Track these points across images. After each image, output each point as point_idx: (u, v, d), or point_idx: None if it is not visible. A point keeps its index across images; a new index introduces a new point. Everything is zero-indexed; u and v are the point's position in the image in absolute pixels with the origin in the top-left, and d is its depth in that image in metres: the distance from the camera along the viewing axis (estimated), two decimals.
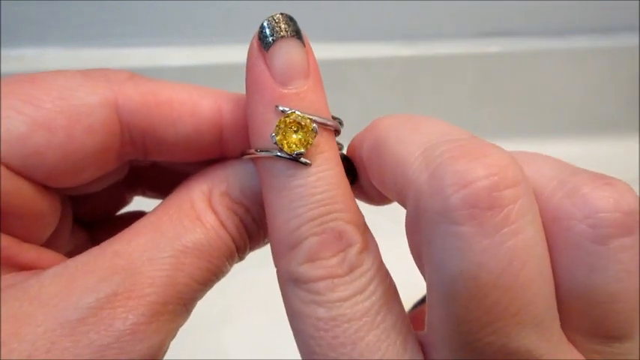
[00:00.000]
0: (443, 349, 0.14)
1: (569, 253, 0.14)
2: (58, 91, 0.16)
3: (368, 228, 0.16)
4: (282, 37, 0.16)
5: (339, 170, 0.16)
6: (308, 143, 0.15)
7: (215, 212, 0.17)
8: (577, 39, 0.51)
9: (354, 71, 0.51)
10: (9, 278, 0.15)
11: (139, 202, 0.22)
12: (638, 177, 0.49)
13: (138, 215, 0.21)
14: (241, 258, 0.18)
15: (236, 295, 0.35)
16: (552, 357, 0.14)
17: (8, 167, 0.16)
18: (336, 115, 0.17)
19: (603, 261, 0.13)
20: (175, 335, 0.16)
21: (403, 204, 0.15)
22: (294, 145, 0.15)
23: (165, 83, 0.17)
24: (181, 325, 0.16)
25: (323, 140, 0.16)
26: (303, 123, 0.15)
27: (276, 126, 0.15)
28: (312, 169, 0.15)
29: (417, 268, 0.16)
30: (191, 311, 0.16)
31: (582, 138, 0.55)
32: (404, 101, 0.53)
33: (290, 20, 0.16)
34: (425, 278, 0.15)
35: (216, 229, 0.16)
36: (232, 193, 0.17)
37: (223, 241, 0.17)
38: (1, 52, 0.49)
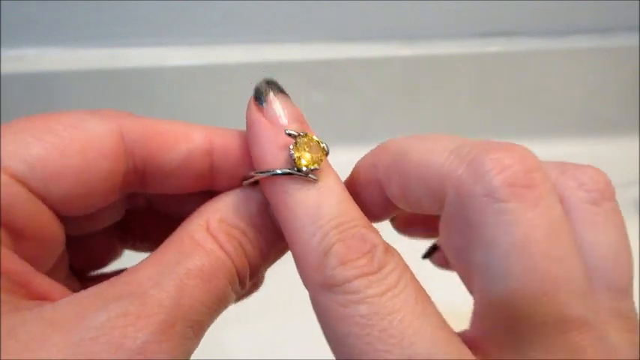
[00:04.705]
0: (498, 334, 0.15)
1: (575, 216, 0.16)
2: (70, 122, 0.18)
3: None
4: (274, 93, 0.18)
5: (342, 184, 0.17)
6: (321, 160, 0.17)
7: (214, 237, 0.18)
8: (577, 39, 0.51)
9: (354, 71, 0.51)
10: (27, 304, 0.16)
11: (128, 259, 0.22)
12: (638, 177, 0.49)
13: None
14: (242, 285, 0.18)
15: None
16: (598, 325, 0.15)
17: (29, 190, 0.17)
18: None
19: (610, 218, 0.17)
20: None
21: (433, 207, 0.17)
22: (307, 161, 0.17)
23: (159, 119, 0.19)
24: (191, 353, 0.16)
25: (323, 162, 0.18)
26: (312, 144, 0.17)
27: (294, 143, 0.17)
28: (322, 184, 0.17)
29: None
30: (200, 338, 0.17)
31: (582, 138, 0.56)
32: (404, 101, 0.53)
33: (275, 83, 0.19)
34: (462, 276, 0.16)
35: (215, 251, 0.17)
36: (227, 218, 0.18)
37: (223, 262, 0.17)
38: (1, 52, 0.49)
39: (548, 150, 0.56)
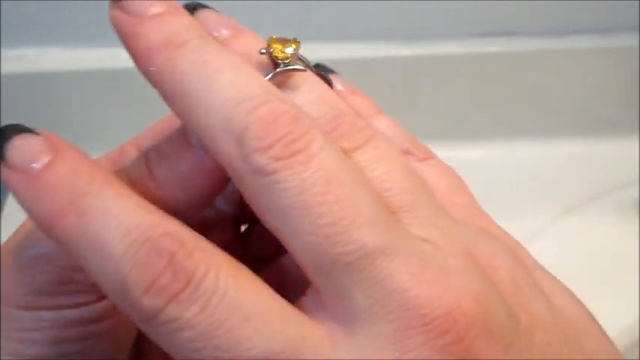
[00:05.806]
0: (324, 289, 0.15)
1: None
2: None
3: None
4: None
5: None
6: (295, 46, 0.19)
7: None
8: (577, 39, 0.51)
9: (354, 71, 0.51)
10: None
11: None
12: (638, 177, 0.49)
13: None
14: None
15: None
16: (399, 246, 0.14)
17: None
18: None
19: None
20: None
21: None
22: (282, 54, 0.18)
23: None
24: None
25: None
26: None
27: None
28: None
29: None
30: None
31: (582, 138, 0.55)
32: (404, 101, 0.53)
33: None
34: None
35: None
36: None
37: None
38: (1, 52, 0.49)
39: (548, 150, 0.56)
